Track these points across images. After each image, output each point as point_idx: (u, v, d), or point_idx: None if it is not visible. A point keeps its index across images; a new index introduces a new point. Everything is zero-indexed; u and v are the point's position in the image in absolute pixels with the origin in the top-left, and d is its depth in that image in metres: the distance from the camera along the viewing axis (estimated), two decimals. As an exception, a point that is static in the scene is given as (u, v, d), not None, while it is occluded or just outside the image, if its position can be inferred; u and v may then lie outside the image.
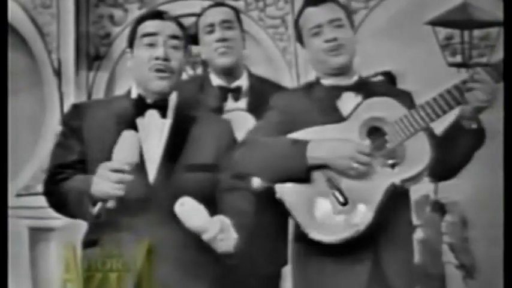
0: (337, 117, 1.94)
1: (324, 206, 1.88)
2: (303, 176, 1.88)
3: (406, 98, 1.98)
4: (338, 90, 1.97)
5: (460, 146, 1.91)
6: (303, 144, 1.87)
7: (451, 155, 1.92)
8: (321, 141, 1.88)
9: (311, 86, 2.04)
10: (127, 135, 1.69)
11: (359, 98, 1.96)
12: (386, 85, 2.08)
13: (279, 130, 1.95)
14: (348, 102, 1.96)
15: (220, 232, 1.67)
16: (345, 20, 1.98)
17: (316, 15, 1.97)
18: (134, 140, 1.69)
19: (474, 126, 1.89)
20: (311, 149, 1.86)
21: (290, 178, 1.89)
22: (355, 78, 2.00)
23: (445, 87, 1.90)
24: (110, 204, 1.68)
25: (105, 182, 1.65)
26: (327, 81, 2.00)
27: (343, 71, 1.98)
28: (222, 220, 1.70)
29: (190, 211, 1.67)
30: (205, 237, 1.67)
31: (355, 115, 1.92)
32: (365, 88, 1.98)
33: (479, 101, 1.83)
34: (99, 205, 1.68)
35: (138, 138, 1.69)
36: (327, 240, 1.85)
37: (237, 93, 2.28)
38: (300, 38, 2.03)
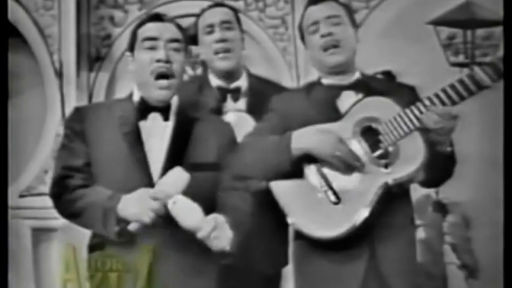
0: (336, 117, 1.93)
1: (317, 203, 1.89)
2: (290, 168, 1.88)
3: (409, 93, 1.97)
4: (338, 90, 1.97)
5: (437, 169, 1.90)
6: (287, 136, 1.89)
7: (432, 176, 1.92)
8: (304, 130, 1.88)
9: (312, 86, 2.04)
10: (178, 170, 1.70)
11: (359, 97, 1.95)
12: (388, 82, 2.07)
13: (276, 133, 1.95)
14: (347, 101, 1.95)
15: (214, 230, 1.67)
16: (344, 18, 1.98)
17: (314, 12, 1.98)
18: (182, 178, 1.69)
19: (449, 149, 1.89)
20: (295, 140, 1.87)
21: (279, 172, 1.90)
22: (356, 76, 2.00)
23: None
24: (133, 227, 1.68)
25: (140, 206, 1.66)
26: (327, 81, 2.00)
27: (341, 69, 1.97)
28: (216, 218, 1.70)
29: (183, 209, 1.67)
30: (199, 235, 1.67)
31: (350, 115, 1.92)
32: (366, 86, 1.97)
33: (434, 123, 1.83)
34: (121, 225, 1.68)
35: (188, 178, 1.69)
36: (320, 236, 1.86)
37: (236, 93, 2.28)
38: (303, 39, 2.04)
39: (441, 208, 3.04)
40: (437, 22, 3.11)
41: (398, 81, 2.04)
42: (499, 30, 3.05)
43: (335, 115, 1.94)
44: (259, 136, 1.96)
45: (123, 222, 1.68)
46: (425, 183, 1.99)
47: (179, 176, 1.69)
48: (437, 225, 3.05)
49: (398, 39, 3.02)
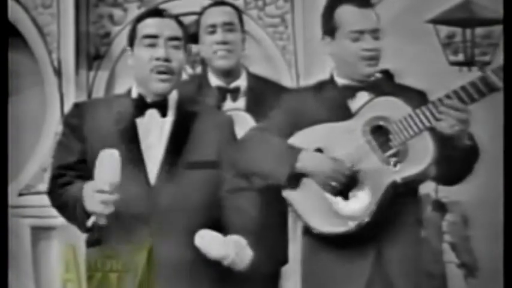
0: (347, 117, 1.95)
1: (325, 199, 1.90)
2: (288, 180, 1.91)
3: (419, 98, 1.98)
4: (352, 90, 1.98)
5: (457, 163, 1.90)
6: (296, 151, 1.91)
7: (450, 172, 1.93)
8: (312, 153, 1.91)
9: (323, 85, 2.03)
10: (105, 154, 1.66)
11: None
12: (400, 84, 2.06)
13: (283, 131, 1.96)
14: (360, 102, 1.96)
15: (237, 255, 1.71)
16: (381, 31, 1.97)
17: (360, 19, 1.94)
18: (114, 160, 1.65)
19: (468, 142, 1.89)
20: (301, 159, 1.90)
21: (276, 179, 1.93)
22: (370, 78, 1.99)
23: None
24: (101, 221, 1.68)
25: (92, 202, 1.66)
26: (341, 81, 2.00)
27: (370, 78, 1.98)
28: (239, 242, 1.73)
29: (210, 242, 1.71)
30: (225, 263, 1.71)
31: (360, 114, 1.93)
32: (378, 88, 1.98)
33: (449, 127, 1.84)
34: (92, 219, 1.68)
35: (118, 158, 1.66)
36: (327, 231, 1.89)
37: (235, 93, 2.28)
38: (331, 31, 1.99)
39: (440, 207, 3.04)
40: (437, 21, 3.10)
41: (410, 86, 2.04)
42: (498, 29, 3.04)
43: (345, 115, 1.95)
44: (265, 133, 1.97)
45: (93, 215, 1.67)
46: (443, 180, 2.01)
47: (111, 158, 1.66)
48: (437, 224, 3.05)
49: (398, 38, 3.01)
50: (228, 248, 1.71)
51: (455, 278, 3.04)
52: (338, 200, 1.90)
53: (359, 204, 1.87)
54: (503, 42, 1.92)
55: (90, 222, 1.68)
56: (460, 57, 3.11)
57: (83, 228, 1.71)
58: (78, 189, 1.72)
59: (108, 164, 1.66)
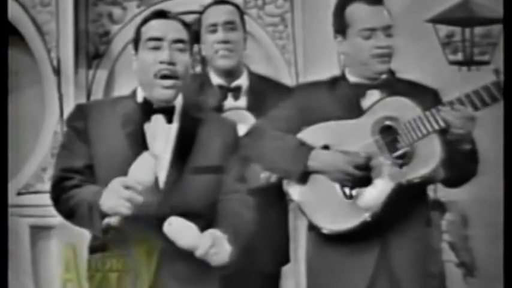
0: (358, 115, 1.95)
1: (330, 196, 1.92)
2: (299, 178, 1.92)
3: (432, 97, 1.98)
4: (363, 88, 1.98)
5: (461, 166, 1.92)
6: (308, 149, 1.92)
7: (455, 174, 1.94)
8: (323, 151, 1.92)
9: (335, 81, 2.03)
10: (146, 156, 1.65)
11: (383, 96, 1.97)
12: (412, 83, 2.08)
13: (293, 124, 1.97)
14: (371, 99, 1.97)
15: (212, 247, 1.65)
16: (394, 28, 1.98)
17: (369, 17, 1.95)
18: (152, 162, 1.64)
19: (468, 147, 1.90)
20: (313, 157, 1.91)
21: (287, 176, 1.95)
22: (382, 76, 2.00)
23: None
24: (114, 221, 1.62)
25: (115, 197, 1.61)
26: (353, 78, 2.00)
27: (382, 75, 1.98)
28: (214, 234, 1.67)
29: (178, 230, 1.64)
30: (197, 254, 1.65)
31: (370, 112, 1.94)
32: (390, 86, 1.98)
33: (455, 130, 1.85)
34: (106, 220, 1.63)
35: (156, 162, 1.65)
36: (330, 229, 1.91)
37: (236, 92, 2.28)
38: (342, 30, 1.99)
39: (439, 206, 3.05)
40: (436, 20, 3.11)
41: (423, 84, 2.05)
42: (497, 28, 3.05)
43: (357, 113, 1.95)
44: (274, 124, 1.98)
45: (108, 217, 1.63)
46: (448, 183, 2.01)
47: (150, 161, 1.64)
48: (436, 223, 3.06)
49: (398, 37, 3.01)
50: (199, 238, 1.64)
51: (454, 277, 3.04)
52: (343, 197, 1.91)
53: (374, 195, 1.87)
54: (503, 42, 1.92)
55: (112, 220, 1.61)
56: (460, 56, 3.12)
57: (98, 231, 1.65)
58: (91, 193, 1.68)
59: (147, 165, 1.64)
